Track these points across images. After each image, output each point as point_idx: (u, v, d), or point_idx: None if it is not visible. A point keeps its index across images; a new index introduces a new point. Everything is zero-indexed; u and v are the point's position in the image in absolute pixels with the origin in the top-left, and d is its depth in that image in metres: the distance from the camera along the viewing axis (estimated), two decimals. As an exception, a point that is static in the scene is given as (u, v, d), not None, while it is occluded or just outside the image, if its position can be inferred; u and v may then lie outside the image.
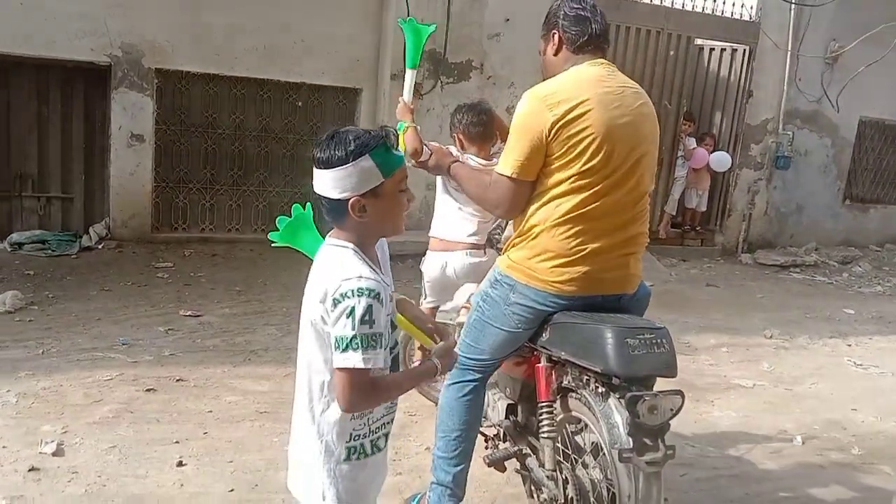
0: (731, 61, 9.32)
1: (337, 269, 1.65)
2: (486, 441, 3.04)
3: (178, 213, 7.35)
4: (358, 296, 1.59)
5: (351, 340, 1.58)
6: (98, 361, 4.13)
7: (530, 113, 2.37)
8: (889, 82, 9.73)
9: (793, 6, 8.99)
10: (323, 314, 1.63)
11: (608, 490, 2.28)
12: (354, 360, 1.58)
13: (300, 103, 7.58)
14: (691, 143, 9.03)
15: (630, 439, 2.13)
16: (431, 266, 3.47)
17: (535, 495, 2.70)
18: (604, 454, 2.29)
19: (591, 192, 2.34)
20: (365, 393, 1.63)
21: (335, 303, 1.59)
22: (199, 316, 5.09)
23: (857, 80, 9.16)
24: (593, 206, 2.35)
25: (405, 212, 1.77)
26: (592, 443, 2.44)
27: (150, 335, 4.63)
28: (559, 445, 2.52)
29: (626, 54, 8.49)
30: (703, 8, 8.88)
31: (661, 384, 2.27)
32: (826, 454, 3.81)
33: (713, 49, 9.40)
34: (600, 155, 2.32)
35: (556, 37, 2.50)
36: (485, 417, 2.94)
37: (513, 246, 2.51)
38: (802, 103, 9.58)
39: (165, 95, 7.11)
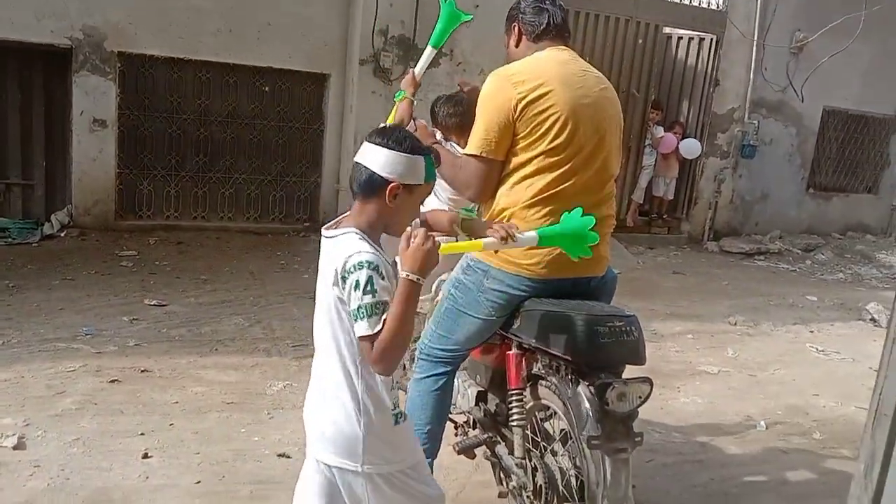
0: (698, 50, 9.39)
1: (342, 250, 1.79)
2: (455, 428, 3.04)
3: (143, 200, 7.23)
4: (358, 269, 1.74)
5: (358, 311, 1.73)
6: (61, 352, 4.05)
7: (495, 91, 2.40)
8: (852, 72, 9.89)
9: (759, -4, 9.10)
10: (340, 295, 1.79)
11: (577, 478, 2.30)
12: (362, 328, 1.73)
13: (267, 88, 7.47)
14: (659, 131, 9.10)
15: (599, 426, 2.14)
16: None
17: (504, 483, 2.71)
18: (573, 441, 2.30)
19: (561, 171, 2.37)
20: (383, 352, 1.73)
21: (344, 280, 1.76)
22: (164, 305, 5.02)
23: (821, 70, 9.30)
24: (564, 185, 2.37)
25: (411, 221, 1.99)
26: (562, 430, 2.46)
27: (114, 325, 4.55)
28: (528, 433, 2.53)
29: (595, 42, 8.52)
30: (672, -3, 8.94)
31: (629, 371, 2.28)
32: (789, 439, 3.89)
33: (681, 38, 9.47)
34: (565, 133, 2.35)
35: (517, 28, 2.58)
36: (454, 405, 2.94)
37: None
38: (768, 92, 9.71)
39: (129, 79, 6.96)
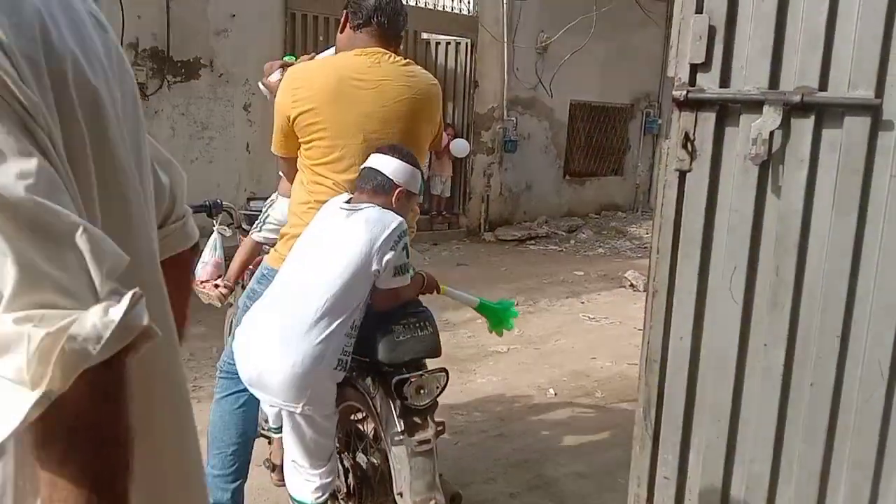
0: (456, 54, 9.88)
1: (384, 219, 2.17)
2: (269, 444, 2.94)
3: None
4: (405, 235, 2.20)
5: (403, 267, 2.21)
6: None
7: (281, 92, 2.35)
8: (591, 68, 10.95)
9: (504, 1, 9.76)
10: (384, 255, 2.13)
11: (389, 472, 2.32)
12: (404, 280, 2.24)
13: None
14: (428, 132, 9.44)
15: (401, 421, 2.19)
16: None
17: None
18: (378, 439, 2.33)
19: (333, 184, 2.34)
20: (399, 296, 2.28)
21: (397, 242, 2.15)
22: None
23: (565, 67, 10.21)
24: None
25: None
26: (373, 429, 2.47)
27: None
28: (340, 435, 2.51)
29: (358, 48, 8.63)
30: (426, 3, 9.30)
31: (429, 364, 2.35)
32: (575, 401, 4.23)
33: (439, 43, 9.89)
34: (335, 152, 2.31)
35: (345, 14, 2.40)
36: (265, 420, 2.84)
37: (282, 237, 2.46)
38: (522, 90, 10.45)
39: None
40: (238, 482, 2.54)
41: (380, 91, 2.31)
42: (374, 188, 2.21)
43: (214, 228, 3.16)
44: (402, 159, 2.24)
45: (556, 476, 3.32)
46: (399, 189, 2.21)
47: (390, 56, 2.36)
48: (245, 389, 2.46)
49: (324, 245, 2.19)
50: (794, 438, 2.09)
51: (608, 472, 3.32)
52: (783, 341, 2.05)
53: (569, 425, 3.90)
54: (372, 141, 2.29)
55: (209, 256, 3.14)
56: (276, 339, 2.13)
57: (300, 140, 2.34)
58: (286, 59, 2.84)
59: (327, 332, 2.08)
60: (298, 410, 2.13)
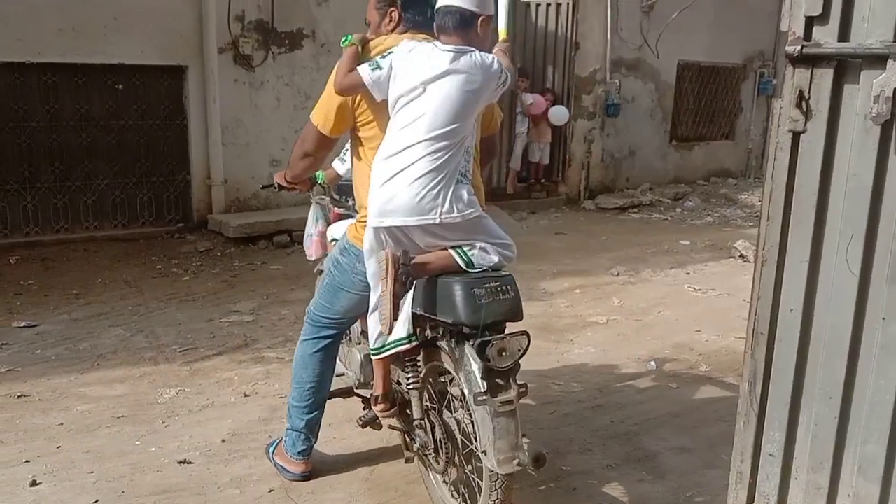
0: (556, 15, 9.61)
1: (490, 57, 2.42)
2: (362, 403, 3.04)
3: (-3, 218, 6.69)
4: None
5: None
6: (-80, 389, 3.70)
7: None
8: (700, 26, 10.45)
9: (608, -41, 9.42)
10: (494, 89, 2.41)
11: (472, 425, 2.36)
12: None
13: (121, 86, 7.04)
14: (528, 98, 9.28)
15: (484, 383, 2.23)
16: None
17: (409, 447, 2.74)
18: (464, 398, 2.37)
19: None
20: None
21: (500, 74, 2.41)
22: (35, 326, 4.68)
23: (673, 25, 9.76)
24: None
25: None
26: (457, 388, 2.51)
27: (-21, 353, 4.21)
28: (426, 394, 2.58)
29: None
30: (526, -36, 9.10)
31: (510, 328, 2.35)
32: (678, 374, 4.11)
33: (539, 4, 9.65)
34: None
35: (396, 15, 2.64)
36: (347, 368, 3.11)
37: (359, 222, 2.57)
38: (626, 52, 10.10)
39: (-37, 89, 6.38)
40: (313, 414, 2.84)
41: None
42: (456, 25, 2.37)
43: (312, 200, 3.22)
44: None
45: (655, 450, 3.25)
46: (482, 17, 2.39)
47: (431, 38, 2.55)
48: (325, 336, 2.76)
49: (441, 87, 2.34)
50: (914, 419, 1.95)
51: (711, 447, 3.22)
52: (905, 316, 1.90)
53: (670, 398, 3.79)
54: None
55: (313, 228, 3.21)
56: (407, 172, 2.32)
57: (359, 121, 2.56)
58: (343, 44, 2.86)
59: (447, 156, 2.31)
60: (437, 221, 2.30)
